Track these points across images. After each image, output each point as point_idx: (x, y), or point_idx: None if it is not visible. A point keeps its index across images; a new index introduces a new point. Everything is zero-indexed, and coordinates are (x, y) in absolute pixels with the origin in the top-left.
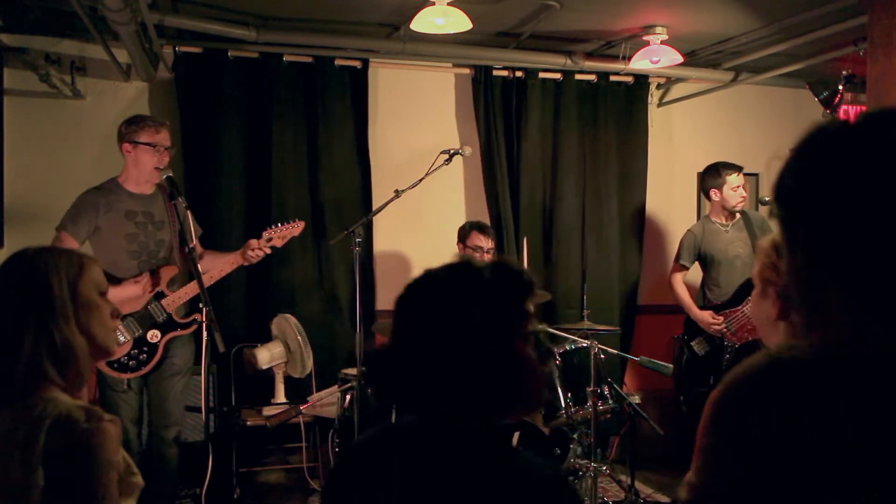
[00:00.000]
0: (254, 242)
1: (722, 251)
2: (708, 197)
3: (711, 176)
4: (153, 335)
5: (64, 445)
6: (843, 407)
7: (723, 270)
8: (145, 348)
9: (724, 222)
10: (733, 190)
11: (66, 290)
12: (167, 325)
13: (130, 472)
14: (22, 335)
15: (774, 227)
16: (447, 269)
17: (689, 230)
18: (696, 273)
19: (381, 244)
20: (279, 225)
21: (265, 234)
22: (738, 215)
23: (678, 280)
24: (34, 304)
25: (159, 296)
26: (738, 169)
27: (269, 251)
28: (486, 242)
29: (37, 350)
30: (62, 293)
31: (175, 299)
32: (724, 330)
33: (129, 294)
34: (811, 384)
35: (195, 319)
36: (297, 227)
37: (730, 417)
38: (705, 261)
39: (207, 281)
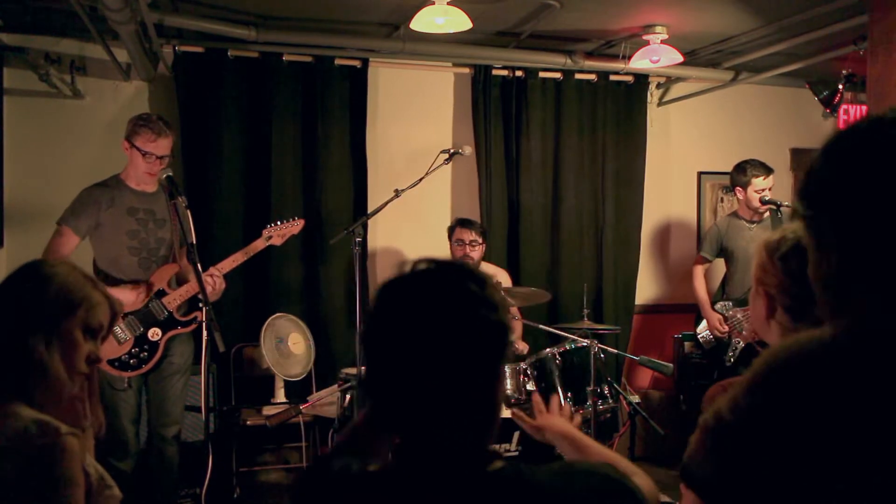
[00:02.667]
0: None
1: (742, 248)
2: (734, 192)
3: (739, 173)
4: (154, 333)
5: (20, 464)
6: (868, 392)
7: (739, 267)
8: (146, 346)
9: (749, 219)
10: (757, 192)
11: (59, 312)
12: (168, 323)
13: (105, 486)
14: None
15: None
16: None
17: (714, 223)
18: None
19: (378, 243)
20: (279, 223)
21: (265, 233)
22: (766, 213)
23: (698, 272)
24: (25, 314)
25: (160, 294)
26: (766, 172)
27: (218, 278)
28: (468, 235)
29: (10, 359)
30: (54, 312)
31: (176, 297)
32: (729, 331)
33: (122, 297)
34: (841, 368)
35: (196, 318)
36: (296, 226)
37: (775, 387)
38: (726, 256)
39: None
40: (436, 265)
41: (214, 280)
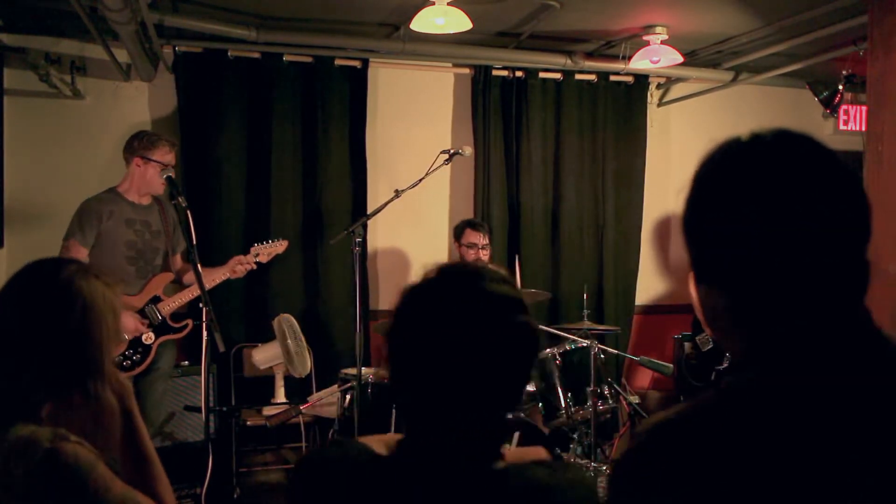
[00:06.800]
0: (240, 258)
1: None
2: None
3: None
4: (147, 336)
5: (30, 473)
6: (721, 457)
7: None
8: (139, 349)
9: None
10: None
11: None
12: (161, 328)
13: None
14: (31, 355)
15: None
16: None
17: None
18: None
19: (378, 243)
20: (265, 242)
21: (252, 250)
22: None
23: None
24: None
25: (155, 299)
26: None
27: (254, 267)
28: (480, 239)
29: (42, 374)
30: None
31: (171, 303)
32: None
33: (125, 324)
34: (686, 443)
35: (187, 324)
36: (280, 246)
37: (629, 492)
38: None
39: (193, 293)
40: (461, 267)
41: (248, 267)
